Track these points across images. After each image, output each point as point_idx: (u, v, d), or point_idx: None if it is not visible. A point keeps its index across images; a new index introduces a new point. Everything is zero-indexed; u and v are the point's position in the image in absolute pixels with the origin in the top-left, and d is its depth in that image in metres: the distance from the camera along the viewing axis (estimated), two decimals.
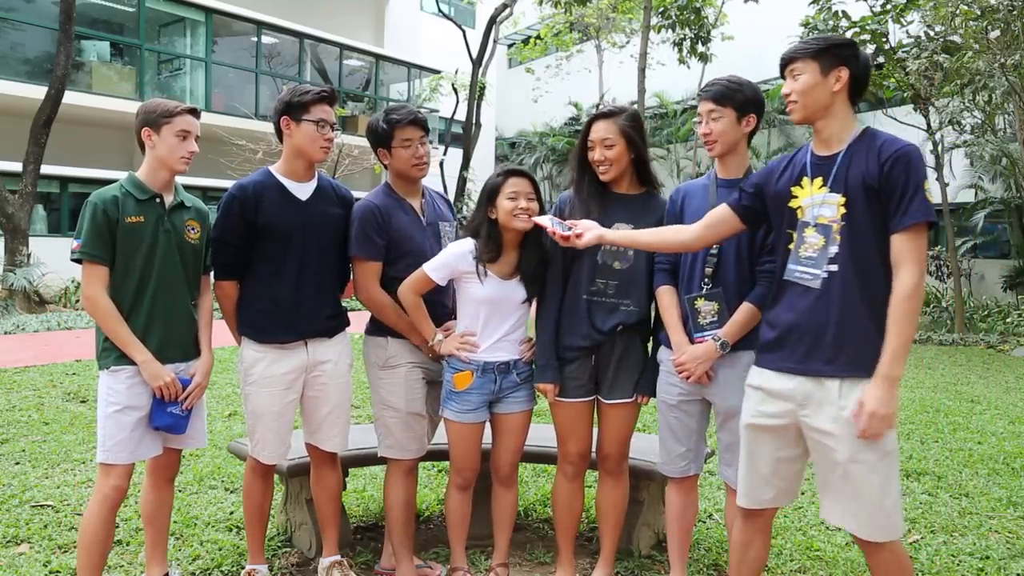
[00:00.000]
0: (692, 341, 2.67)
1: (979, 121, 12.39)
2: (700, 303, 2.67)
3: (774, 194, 2.34)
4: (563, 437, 2.92)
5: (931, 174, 11.85)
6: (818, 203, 2.20)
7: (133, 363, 2.55)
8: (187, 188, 2.84)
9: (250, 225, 2.73)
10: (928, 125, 11.53)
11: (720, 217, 2.49)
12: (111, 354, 2.57)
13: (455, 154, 20.98)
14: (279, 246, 2.76)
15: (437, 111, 20.60)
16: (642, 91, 13.26)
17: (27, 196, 11.35)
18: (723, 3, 15.43)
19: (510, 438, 2.93)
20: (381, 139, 2.91)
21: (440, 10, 20.73)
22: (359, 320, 2.99)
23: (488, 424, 2.93)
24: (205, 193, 14.19)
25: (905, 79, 10.77)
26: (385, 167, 2.98)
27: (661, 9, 13.87)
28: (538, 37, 21.55)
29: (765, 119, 18.12)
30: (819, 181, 2.22)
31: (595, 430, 2.95)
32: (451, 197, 17.22)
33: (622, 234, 2.68)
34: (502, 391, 2.86)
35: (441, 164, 20.14)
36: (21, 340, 8.98)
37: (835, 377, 2.14)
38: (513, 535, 3.09)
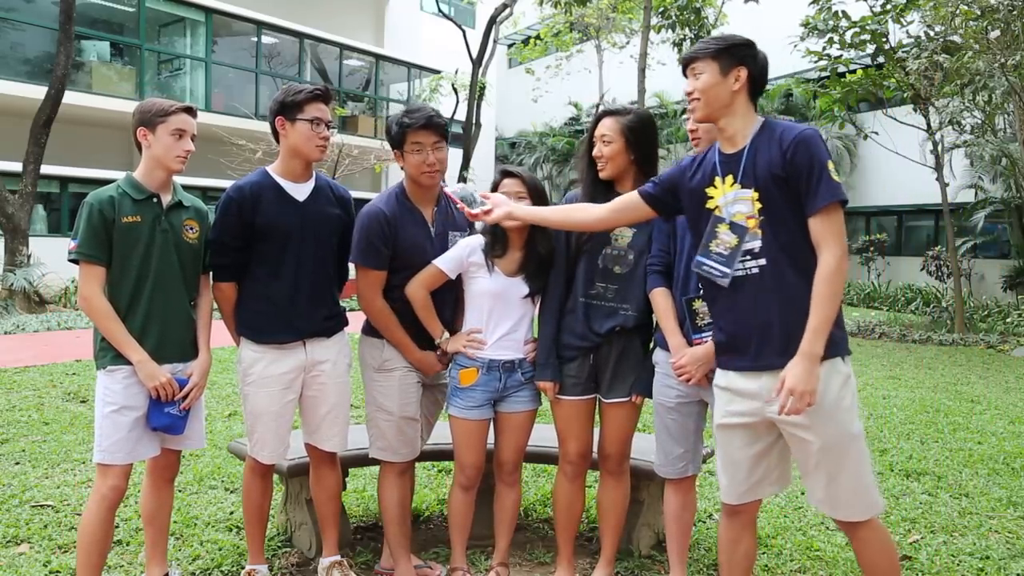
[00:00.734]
0: (690, 343, 2.67)
1: (979, 121, 12.38)
2: (697, 304, 2.65)
3: (689, 193, 2.38)
4: (563, 436, 2.92)
5: (930, 174, 11.86)
6: (731, 201, 2.25)
7: (130, 363, 2.55)
8: (186, 188, 2.84)
9: (248, 226, 2.72)
10: (928, 125, 11.52)
11: (630, 203, 2.53)
12: (107, 354, 2.57)
13: (455, 154, 20.90)
14: (277, 247, 2.76)
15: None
16: (642, 91, 13.25)
17: (27, 196, 11.34)
18: (723, 3, 15.42)
19: (513, 436, 2.94)
20: (394, 141, 2.85)
21: (440, 10, 20.71)
22: (357, 320, 2.99)
23: (492, 423, 2.94)
24: (205, 193, 14.19)
25: (905, 79, 10.76)
26: (402, 169, 2.91)
27: (661, 9, 13.86)
28: (538, 37, 21.56)
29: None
30: (730, 179, 2.27)
31: (596, 430, 2.96)
32: None
33: (531, 210, 2.72)
34: (507, 389, 2.88)
35: None
36: (21, 340, 8.98)
37: None
38: (513, 535, 3.09)
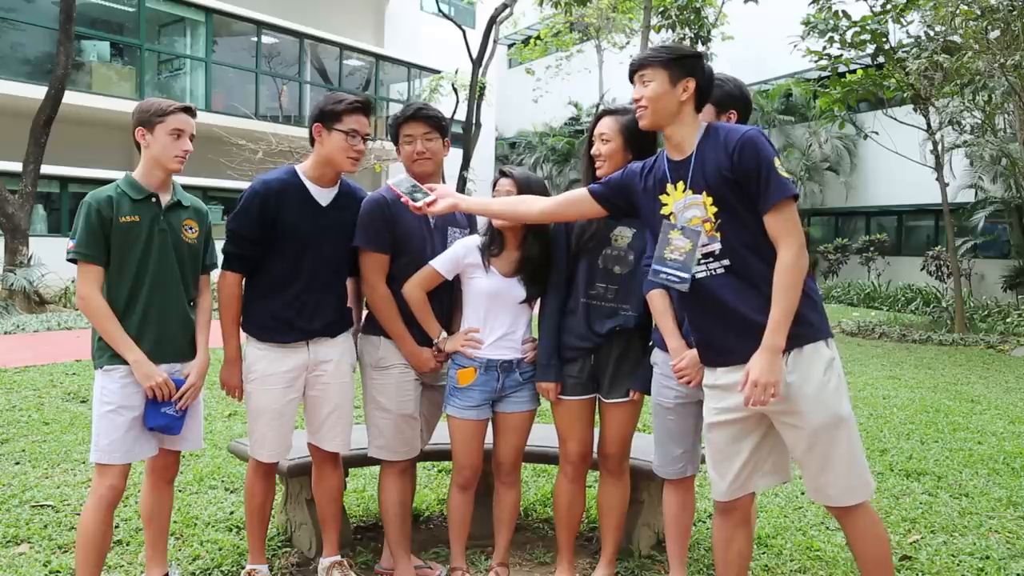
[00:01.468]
0: (689, 344, 2.66)
1: (979, 121, 12.39)
2: None
3: (644, 200, 2.40)
4: (563, 436, 2.92)
5: (930, 174, 11.86)
6: (684, 207, 2.28)
7: (127, 363, 2.55)
8: (186, 188, 2.84)
9: (267, 222, 2.73)
10: (928, 125, 11.51)
11: (577, 199, 2.56)
12: (105, 353, 2.57)
13: (455, 154, 20.89)
14: (292, 248, 2.76)
15: None
16: None
17: (27, 196, 11.34)
18: (723, 3, 15.41)
19: (512, 437, 2.94)
20: (393, 139, 2.97)
21: (440, 10, 20.70)
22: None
23: (491, 424, 2.95)
24: (205, 193, 14.15)
25: (905, 79, 10.76)
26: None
27: (661, 9, 13.85)
28: (538, 37, 21.55)
29: (765, 119, 18.25)
30: (681, 185, 2.29)
31: (596, 431, 2.96)
32: None
33: (476, 200, 2.76)
34: (505, 390, 2.88)
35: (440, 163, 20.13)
36: (21, 340, 8.98)
37: None
38: (513, 535, 3.10)
